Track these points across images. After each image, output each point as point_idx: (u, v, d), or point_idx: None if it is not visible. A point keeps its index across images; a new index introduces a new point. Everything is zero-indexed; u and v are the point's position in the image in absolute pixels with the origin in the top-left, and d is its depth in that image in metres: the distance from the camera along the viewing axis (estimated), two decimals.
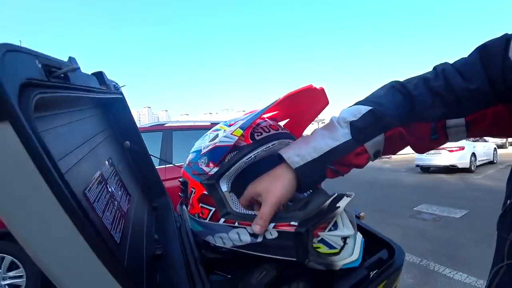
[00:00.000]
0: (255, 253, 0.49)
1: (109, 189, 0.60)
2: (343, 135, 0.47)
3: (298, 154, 0.47)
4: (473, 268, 2.63)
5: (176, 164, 2.72)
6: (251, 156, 0.51)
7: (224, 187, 0.51)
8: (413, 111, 0.46)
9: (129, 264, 0.50)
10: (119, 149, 0.84)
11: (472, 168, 8.57)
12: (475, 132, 0.48)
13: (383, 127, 0.47)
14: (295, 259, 0.46)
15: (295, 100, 0.57)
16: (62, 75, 0.39)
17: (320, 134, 0.50)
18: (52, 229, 0.28)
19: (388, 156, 17.06)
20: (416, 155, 9.60)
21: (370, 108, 0.47)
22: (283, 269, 0.67)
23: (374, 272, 0.57)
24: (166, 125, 3.33)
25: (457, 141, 0.50)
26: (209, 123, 3.56)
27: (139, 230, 0.70)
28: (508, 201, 0.35)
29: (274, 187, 0.46)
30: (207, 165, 0.52)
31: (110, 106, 0.79)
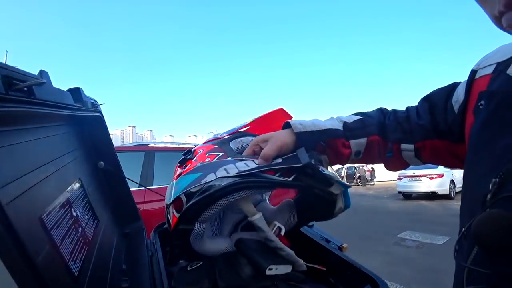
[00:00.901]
0: (259, 171, 0.54)
1: (74, 214, 0.55)
2: (337, 125, 0.61)
3: (301, 123, 0.60)
4: None
5: (153, 187, 2.61)
6: (252, 139, 0.65)
7: (232, 147, 0.63)
8: (384, 130, 0.59)
9: None
10: (92, 169, 0.79)
11: (452, 195, 8.77)
12: (424, 158, 0.58)
13: (368, 133, 0.59)
14: (301, 164, 0.55)
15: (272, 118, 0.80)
16: (25, 88, 0.36)
17: (320, 120, 0.64)
18: None
19: (372, 183, 17.34)
20: (398, 182, 9.79)
21: (361, 117, 0.62)
22: None
23: None
24: (149, 145, 3.24)
25: (415, 165, 0.62)
26: (194, 146, 3.47)
27: (104, 259, 0.64)
28: (463, 229, 0.37)
29: (279, 135, 0.59)
30: (222, 136, 0.68)
31: (85, 124, 0.74)
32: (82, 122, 0.71)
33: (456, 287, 0.39)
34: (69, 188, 0.56)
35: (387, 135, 0.58)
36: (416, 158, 0.58)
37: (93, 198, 0.71)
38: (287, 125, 0.62)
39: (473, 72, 0.45)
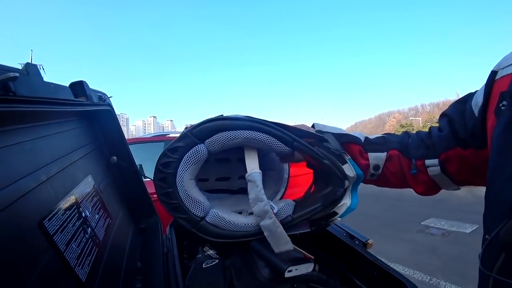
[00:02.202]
0: (282, 125, 0.61)
1: (83, 214, 0.52)
2: (359, 135, 0.65)
3: (324, 125, 0.66)
4: None
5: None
6: None
7: None
8: (406, 148, 0.61)
9: None
10: (103, 165, 0.77)
11: None
12: (452, 173, 0.56)
13: (387, 148, 0.62)
14: (318, 134, 0.62)
15: None
16: None
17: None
18: None
19: None
20: None
21: (384, 135, 0.65)
22: None
23: None
24: (168, 135, 3.30)
25: (447, 187, 0.59)
26: None
27: (117, 259, 0.62)
28: (487, 237, 0.36)
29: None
30: None
31: (94, 119, 0.72)
32: (89, 116, 0.68)
33: None
34: (77, 187, 0.53)
35: (410, 152, 0.60)
36: (444, 175, 0.57)
37: (105, 195, 0.69)
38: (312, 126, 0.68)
39: (493, 73, 0.44)
